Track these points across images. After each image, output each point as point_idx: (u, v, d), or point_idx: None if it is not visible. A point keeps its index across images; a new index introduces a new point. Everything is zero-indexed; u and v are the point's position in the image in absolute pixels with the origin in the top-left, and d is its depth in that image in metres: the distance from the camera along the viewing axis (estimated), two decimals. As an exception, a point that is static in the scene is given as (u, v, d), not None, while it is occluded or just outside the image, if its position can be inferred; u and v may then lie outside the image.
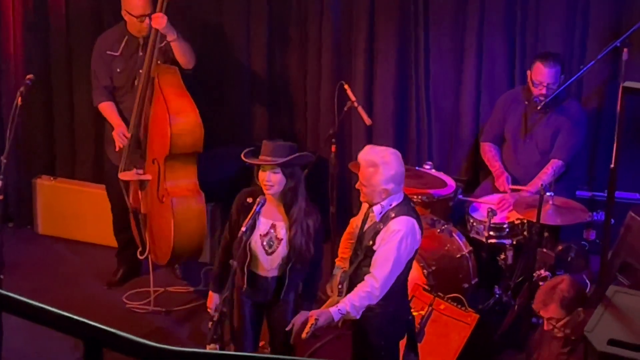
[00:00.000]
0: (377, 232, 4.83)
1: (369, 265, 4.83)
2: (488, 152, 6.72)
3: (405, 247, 4.79)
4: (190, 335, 6.41)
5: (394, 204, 4.85)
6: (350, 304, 4.77)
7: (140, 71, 6.47)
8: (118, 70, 6.58)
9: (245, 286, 5.22)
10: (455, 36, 7.04)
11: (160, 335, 6.38)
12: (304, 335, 4.81)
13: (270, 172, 4.99)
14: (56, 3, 7.48)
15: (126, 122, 6.58)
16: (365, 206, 5.05)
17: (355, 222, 5.17)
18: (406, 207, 4.88)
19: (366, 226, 4.95)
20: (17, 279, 6.58)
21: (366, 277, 4.80)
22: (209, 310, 5.31)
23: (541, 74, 6.38)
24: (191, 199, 6.45)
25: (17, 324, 5.78)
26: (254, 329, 5.36)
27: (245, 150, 5.15)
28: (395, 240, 4.76)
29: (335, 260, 5.30)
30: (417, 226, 4.85)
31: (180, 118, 6.32)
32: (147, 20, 6.44)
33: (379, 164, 4.79)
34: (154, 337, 2.20)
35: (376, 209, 4.86)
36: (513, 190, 6.40)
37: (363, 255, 4.89)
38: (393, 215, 4.82)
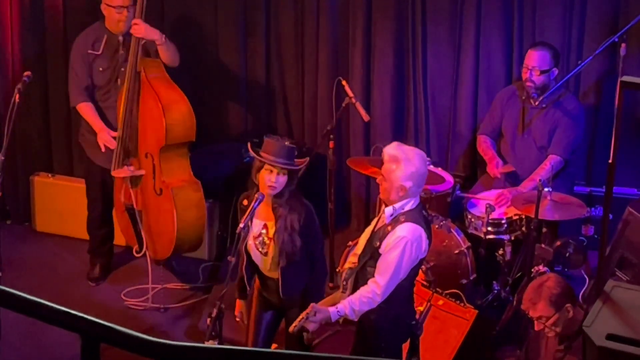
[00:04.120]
0: (384, 235, 4.78)
1: (373, 266, 4.79)
2: (483, 142, 6.74)
3: (409, 255, 4.72)
4: (188, 332, 6.40)
5: (406, 209, 4.77)
6: (350, 307, 4.74)
7: (123, 69, 6.52)
8: (101, 69, 6.61)
9: (249, 289, 5.25)
10: (453, 32, 7.04)
11: (157, 332, 6.38)
12: (291, 329, 4.80)
13: (280, 174, 4.98)
14: (53, 0, 7.47)
15: (107, 121, 6.63)
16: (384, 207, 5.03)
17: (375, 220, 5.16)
18: (418, 214, 4.80)
19: (377, 227, 4.91)
20: (14, 276, 6.58)
21: (369, 282, 4.77)
22: (236, 318, 5.40)
23: (528, 57, 6.44)
24: (189, 187, 6.51)
25: (14, 320, 5.78)
26: (267, 332, 5.36)
27: (250, 146, 5.14)
28: (399, 247, 4.70)
29: (350, 254, 5.27)
30: (424, 236, 4.77)
31: (173, 108, 6.37)
32: (125, 11, 6.49)
33: (401, 160, 4.73)
34: (150, 334, 2.18)
35: (387, 210, 4.80)
36: (503, 173, 6.41)
37: (369, 256, 4.85)
38: (403, 219, 4.75)
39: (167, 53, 6.43)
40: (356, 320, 4.85)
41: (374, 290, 4.73)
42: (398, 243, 4.70)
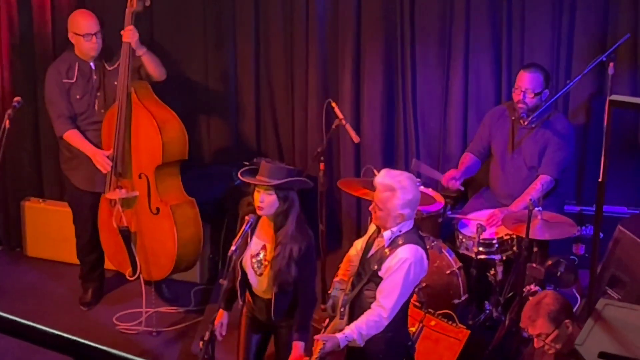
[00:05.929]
0: (383, 258, 4.78)
1: (373, 289, 4.79)
2: (462, 158, 6.78)
3: (414, 275, 4.74)
4: (180, 356, 6.39)
5: (403, 231, 4.80)
6: (358, 332, 4.73)
7: (99, 94, 6.60)
8: (78, 96, 6.64)
9: (241, 304, 5.20)
10: (442, 53, 7.06)
11: (150, 356, 6.36)
12: (313, 358, 4.77)
13: (264, 193, 4.95)
14: (42, 25, 7.48)
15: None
16: (371, 229, 5.01)
17: (359, 244, 5.14)
18: (415, 235, 4.83)
19: (372, 250, 4.90)
20: (6, 302, 6.58)
21: (373, 306, 4.76)
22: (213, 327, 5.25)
23: (520, 79, 6.42)
24: (185, 204, 6.56)
25: (6, 346, 5.76)
26: (257, 353, 5.32)
27: (243, 169, 5.12)
28: (403, 269, 4.71)
29: (334, 280, 5.26)
30: (425, 256, 4.80)
31: (167, 126, 6.44)
32: (94, 38, 6.56)
33: (396, 189, 4.74)
34: (143, 358, 2.17)
35: (386, 234, 4.81)
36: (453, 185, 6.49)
37: (367, 280, 4.84)
38: (401, 242, 4.76)
39: (152, 63, 6.51)
40: (362, 345, 4.81)
41: (381, 314, 4.72)
42: (402, 265, 4.71)
